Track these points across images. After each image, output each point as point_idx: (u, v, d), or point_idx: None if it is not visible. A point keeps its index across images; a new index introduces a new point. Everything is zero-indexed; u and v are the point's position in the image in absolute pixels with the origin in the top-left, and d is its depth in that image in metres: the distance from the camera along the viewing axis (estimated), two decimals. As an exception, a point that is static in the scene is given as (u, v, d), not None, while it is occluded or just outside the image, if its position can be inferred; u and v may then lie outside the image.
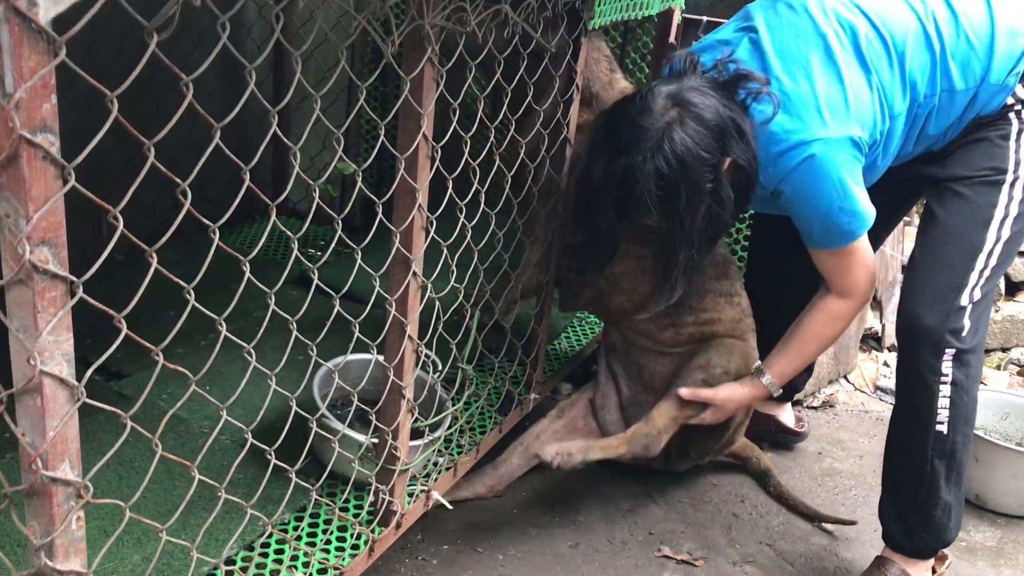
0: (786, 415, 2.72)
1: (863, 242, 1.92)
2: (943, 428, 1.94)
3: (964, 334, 1.89)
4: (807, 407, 2.98)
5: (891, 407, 3.01)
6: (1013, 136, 1.90)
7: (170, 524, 1.26)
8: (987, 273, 1.89)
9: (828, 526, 2.39)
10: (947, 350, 1.89)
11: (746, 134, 1.80)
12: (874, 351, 3.35)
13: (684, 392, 2.11)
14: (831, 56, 1.83)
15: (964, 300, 1.88)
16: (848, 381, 3.15)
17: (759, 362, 2.14)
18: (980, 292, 1.89)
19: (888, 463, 2.09)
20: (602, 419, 2.34)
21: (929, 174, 2.00)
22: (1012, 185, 1.88)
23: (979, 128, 1.93)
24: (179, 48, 2.10)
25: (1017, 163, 1.89)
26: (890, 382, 3.14)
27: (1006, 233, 1.88)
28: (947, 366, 1.90)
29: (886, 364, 3.26)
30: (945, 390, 1.92)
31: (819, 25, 1.85)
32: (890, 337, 3.34)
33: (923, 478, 1.98)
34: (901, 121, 1.89)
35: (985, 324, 1.97)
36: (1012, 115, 1.90)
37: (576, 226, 2.01)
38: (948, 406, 1.92)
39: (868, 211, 1.87)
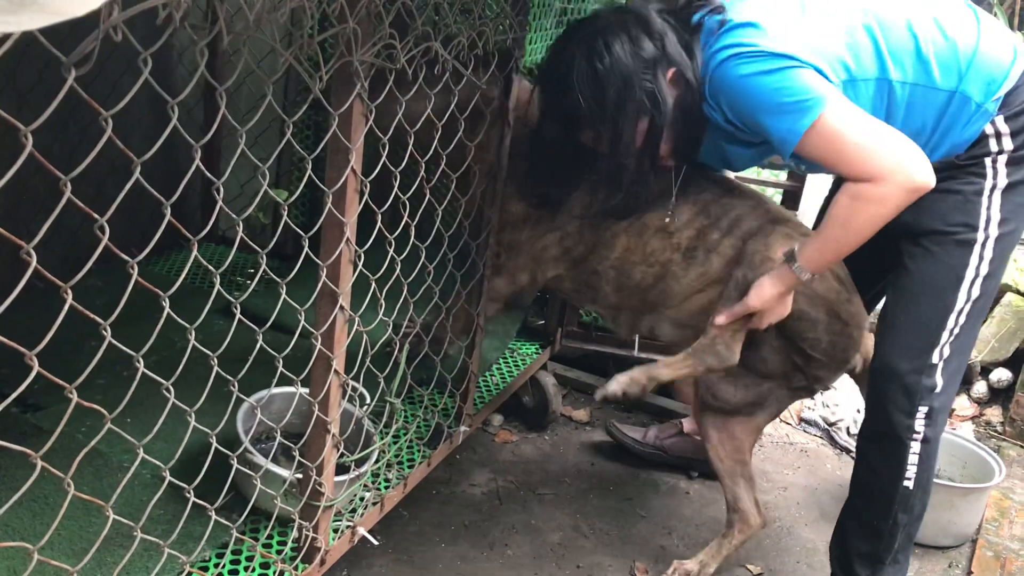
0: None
1: (853, 119, 1.72)
2: (909, 484, 1.97)
3: (936, 391, 1.91)
4: (734, 439, 3.02)
5: (815, 439, 3.10)
6: (986, 192, 1.84)
7: (84, 563, 1.23)
8: (957, 331, 1.89)
9: (752, 566, 2.42)
10: (920, 406, 1.91)
11: (692, 50, 1.81)
12: (799, 383, 3.42)
13: (719, 320, 1.97)
14: (803, 6, 1.79)
15: (935, 357, 1.89)
16: (774, 413, 3.21)
17: (795, 246, 1.90)
18: (950, 349, 1.89)
19: (850, 511, 2.11)
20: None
21: (902, 223, 1.87)
22: (983, 245, 1.85)
23: (953, 173, 1.84)
24: (108, 72, 2.07)
25: (988, 220, 1.84)
26: (814, 414, 3.21)
27: (976, 292, 1.87)
28: (920, 423, 1.92)
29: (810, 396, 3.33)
30: (915, 447, 1.94)
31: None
32: (815, 370, 3.41)
33: (883, 532, 2.01)
34: (866, 95, 1.80)
35: (956, 384, 1.96)
36: (988, 161, 1.83)
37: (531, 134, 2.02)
38: (917, 463, 1.95)
39: (829, 87, 1.71)
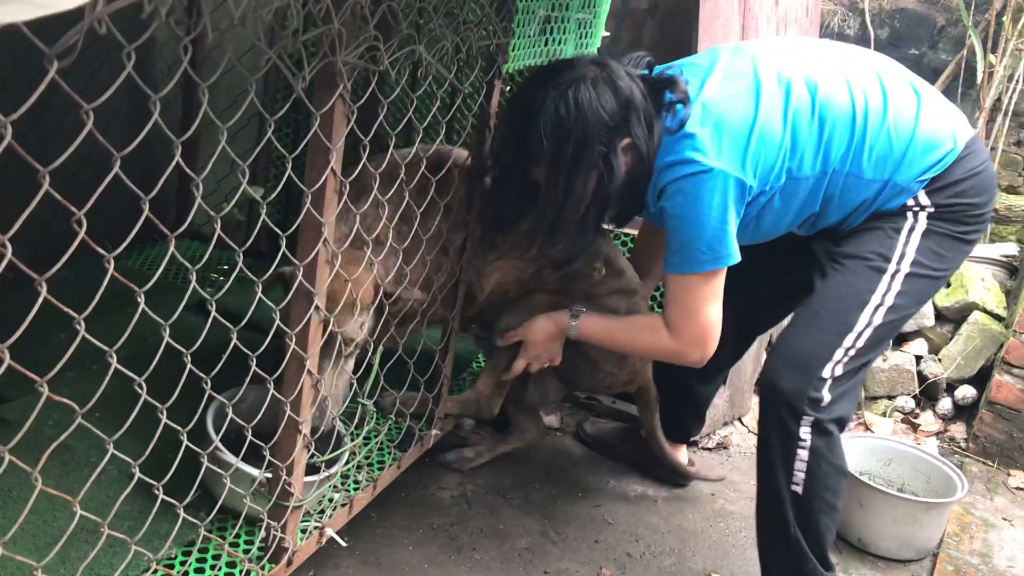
0: (679, 455, 2.79)
1: (709, 292, 1.93)
2: (798, 489, 1.97)
3: (823, 405, 1.92)
4: (702, 448, 3.05)
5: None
6: (905, 231, 1.93)
7: (47, 560, 1.21)
8: (852, 353, 1.93)
9: (716, 574, 2.43)
10: (804, 416, 1.93)
11: (653, 128, 1.86)
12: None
13: (499, 341, 2.32)
14: (757, 99, 1.87)
15: (825, 373, 1.92)
16: (742, 423, 3.23)
17: (582, 310, 2.21)
18: (842, 369, 1.92)
19: (759, 516, 2.13)
20: None
21: (822, 247, 2.05)
22: (893, 276, 1.92)
23: (878, 218, 1.97)
24: (85, 63, 2.04)
25: (902, 256, 1.93)
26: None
27: (878, 320, 1.93)
28: (805, 431, 1.93)
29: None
30: (803, 454, 1.95)
31: (759, 72, 1.90)
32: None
33: (789, 540, 2.02)
34: (805, 187, 1.94)
35: (850, 402, 1.99)
36: (909, 213, 1.94)
37: (491, 161, 2.06)
38: (804, 470, 1.96)
39: (731, 254, 1.90)
